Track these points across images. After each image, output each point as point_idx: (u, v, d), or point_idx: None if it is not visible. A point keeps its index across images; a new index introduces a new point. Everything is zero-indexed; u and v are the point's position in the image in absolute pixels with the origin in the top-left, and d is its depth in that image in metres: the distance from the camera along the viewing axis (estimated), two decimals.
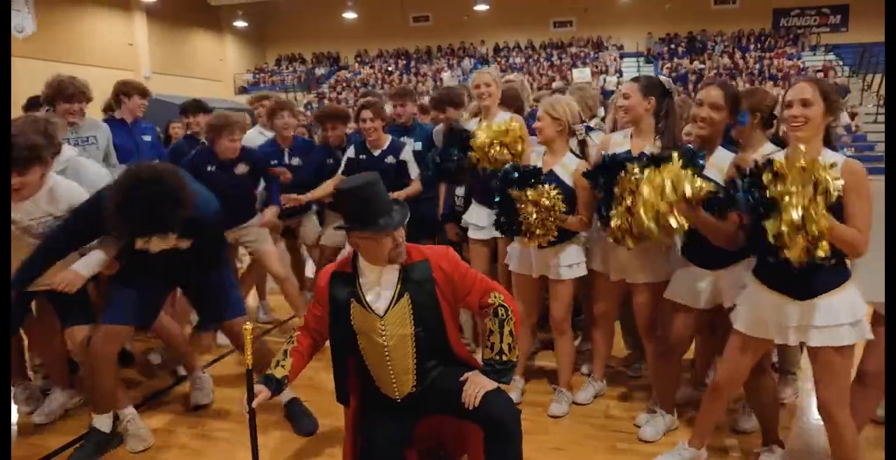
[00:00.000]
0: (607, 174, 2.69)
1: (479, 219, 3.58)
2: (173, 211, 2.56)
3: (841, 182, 2.01)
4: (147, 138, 4.46)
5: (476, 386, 2.25)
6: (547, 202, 2.85)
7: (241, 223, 4.04)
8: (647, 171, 2.47)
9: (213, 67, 27.60)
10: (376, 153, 4.02)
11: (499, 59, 25.85)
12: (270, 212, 4.13)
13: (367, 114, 3.92)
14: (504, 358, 2.33)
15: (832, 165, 2.03)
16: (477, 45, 27.32)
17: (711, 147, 2.67)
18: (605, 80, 22.08)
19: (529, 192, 2.88)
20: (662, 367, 2.96)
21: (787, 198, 1.98)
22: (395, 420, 2.41)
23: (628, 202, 2.55)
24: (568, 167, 3.06)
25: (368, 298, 2.32)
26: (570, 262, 3.10)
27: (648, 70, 23.27)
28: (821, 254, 2.01)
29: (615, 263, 3.05)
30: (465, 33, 27.36)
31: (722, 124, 2.64)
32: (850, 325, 2.19)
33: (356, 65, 28.19)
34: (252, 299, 4.96)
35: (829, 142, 2.28)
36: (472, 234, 3.65)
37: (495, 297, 2.37)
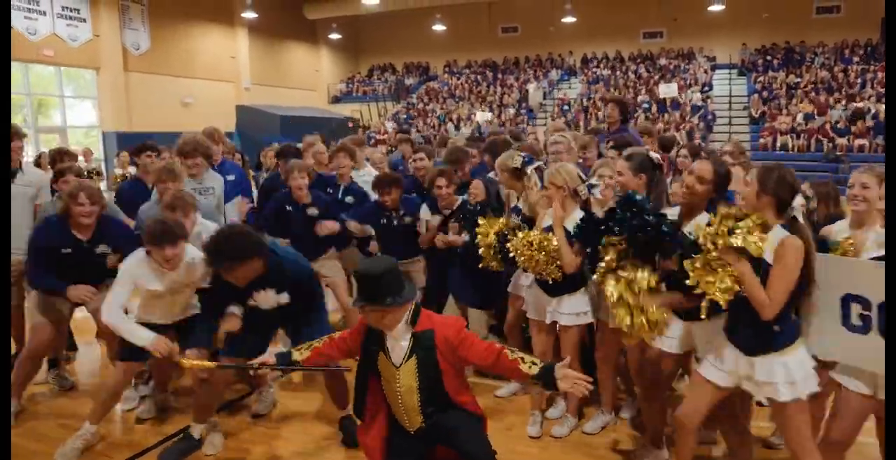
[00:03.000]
0: (589, 232, 3.00)
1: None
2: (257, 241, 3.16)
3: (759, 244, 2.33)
4: (231, 177, 5.01)
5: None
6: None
7: (313, 258, 4.45)
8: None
9: (309, 78, 29.01)
10: (446, 213, 4.48)
11: (586, 71, 25.76)
12: None
13: (441, 181, 4.40)
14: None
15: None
16: (565, 55, 27.33)
17: (693, 214, 2.86)
18: (691, 95, 21.60)
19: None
20: (648, 405, 3.20)
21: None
22: (412, 445, 2.82)
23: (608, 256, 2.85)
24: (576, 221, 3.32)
25: (390, 351, 2.72)
26: (576, 311, 3.38)
27: (741, 83, 22.57)
28: (720, 300, 2.34)
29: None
30: (553, 44, 27.44)
31: (705, 195, 2.82)
32: (786, 384, 2.40)
33: (445, 75, 28.80)
34: None
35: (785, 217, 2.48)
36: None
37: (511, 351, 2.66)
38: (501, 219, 3.73)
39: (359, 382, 2.89)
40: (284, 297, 3.34)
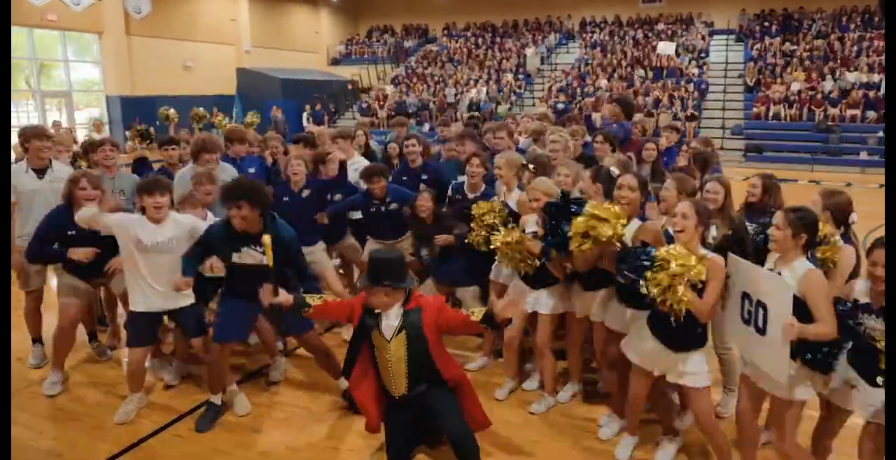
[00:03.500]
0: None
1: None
2: (256, 189, 3.69)
3: (702, 271, 2.88)
4: (252, 170, 5.47)
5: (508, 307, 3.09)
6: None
7: (306, 245, 4.81)
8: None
9: (309, 40, 29.01)
10: (471, 196, 4.84)
11: (584, 35, 25.80)
12: None
13: (476, 161, 4.81)
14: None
15: (701, 258, 2.91)
16: (563, 19, 27.29)
17: (629, 218, 3.46)
18: (688, 61, 21.76)
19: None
20: (610, 384, 3.84)
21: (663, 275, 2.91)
22: (403, 412, 3.36)
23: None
24: None
25: (383, 327, 3.25)
26: (553, 302, 3.96)
27: (738, 50, 22.69)
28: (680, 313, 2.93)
29: (580, 304, 3.89)
30: (552, 7, 27.38)
31: (637, 202, 3.46)
32: (701, 373, 3.13)
33: (444, 38, 28.77)
34: None
35: (704, 241, 3.11)
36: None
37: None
38: (493, 204, 4.25)
39: (352, 348, 3.42)
40: (264, 260, 3.68)
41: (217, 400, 4.03)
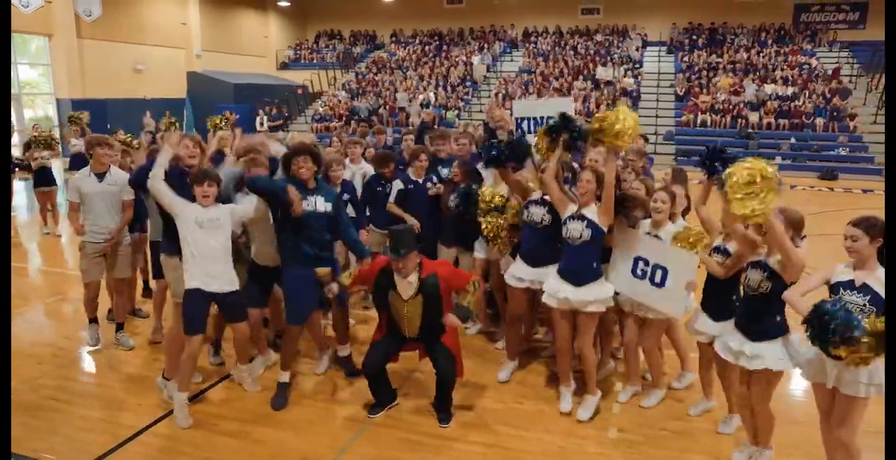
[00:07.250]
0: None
1: (520, 273, 4.62)
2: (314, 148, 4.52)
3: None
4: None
5: (452, 319, 4.08)
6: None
7: None
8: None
9: (258, 44, 29.37)
10: (420, 181, 5.76)
11: (528, 45, 27.10)
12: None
13: (423, 157, 5.77)
14: (464, 304, 4.16)
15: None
16: (507, 28, 28.55)
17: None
18: (623, 72, 23.26)
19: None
20: (512, 330, 4.88)
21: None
22: (391, 342, 4.25)
23: None
24: None
25: (399, 289, 4.11)
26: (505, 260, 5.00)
27: (669, 61, 24.40)
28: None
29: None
30: (496, 16, 28.61)
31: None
32: (595, 301, 4.07)
33: (392, 45, 29.59)
34: None
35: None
36: (512, 283, 4.66)
37: (473, 281, 4.18)
38: (496, 192, 4.99)
39: (377, 308, 4.31)
40: (329, 207, 4.43)
41: (285, 377, 4.52)
